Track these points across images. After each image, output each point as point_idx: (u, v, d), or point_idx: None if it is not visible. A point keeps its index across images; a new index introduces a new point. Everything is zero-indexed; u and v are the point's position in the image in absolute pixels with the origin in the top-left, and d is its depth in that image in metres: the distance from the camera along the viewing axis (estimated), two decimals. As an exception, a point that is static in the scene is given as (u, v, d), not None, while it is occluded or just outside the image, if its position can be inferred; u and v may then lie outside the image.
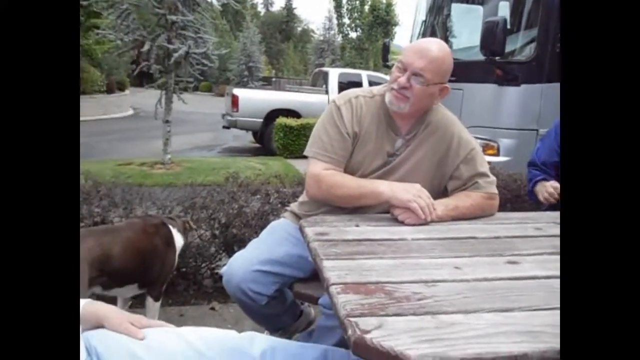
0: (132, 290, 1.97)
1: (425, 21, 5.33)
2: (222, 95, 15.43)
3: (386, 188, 1.45)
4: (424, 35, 5.18)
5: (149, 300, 2.02)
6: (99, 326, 1.06)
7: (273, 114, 8.98)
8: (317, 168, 1.54)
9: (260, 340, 1.10)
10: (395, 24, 28.87)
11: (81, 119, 14.25)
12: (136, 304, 2.16)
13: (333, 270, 1.02)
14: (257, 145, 9.97)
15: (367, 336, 0.76)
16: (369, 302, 0.88)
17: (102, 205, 2.30)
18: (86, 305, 1.09)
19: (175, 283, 2.37)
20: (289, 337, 1.80)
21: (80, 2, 9.34)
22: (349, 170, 1.56)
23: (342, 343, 1.38)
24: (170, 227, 2.06)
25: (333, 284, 0.96)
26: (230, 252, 2.45)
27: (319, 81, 10.78)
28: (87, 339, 1.00)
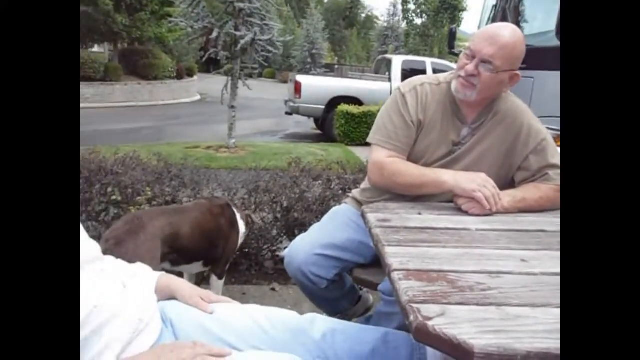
0: (197, 267, 2.07)
1: (495, 5, 5.11)
2: (285, 81, 15.63)
3: (449, 177, 1.42)
4: (494, 20, 4.97)
5: (213, 278, 2.11)
6: (172, 298, 1.14)
7: (335, 101, 9.00)
8: (380, 155, 1.54)
9: (320, 322, 1.12)
10: (463, 9, 27.92)
11: (153, 103, 14.95)
12: (202, 282, 2.27)
13: (395, 256, 1.03)
14: (319, 131, 10.04)
15: (430, 323, 0.76)
16: (431, 289, 0.88)
17: (172, 186, 2.43)
18: (161, 277, 1.16)
19: (238, 263, 2.46)
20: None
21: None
22: (412, 158, 1.55)
23: (400, 330, 1.39)
24: (235, 210, 2.14)
25: (395, 270, 0.96)
26: (291, 236, 2.51)
27: (382, 68, 10.66)
28: (163, 309, 1.07)
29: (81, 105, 12.24)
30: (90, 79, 13.57)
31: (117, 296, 0.97)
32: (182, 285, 1.15)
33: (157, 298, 1.09)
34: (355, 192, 1.80)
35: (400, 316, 1.47)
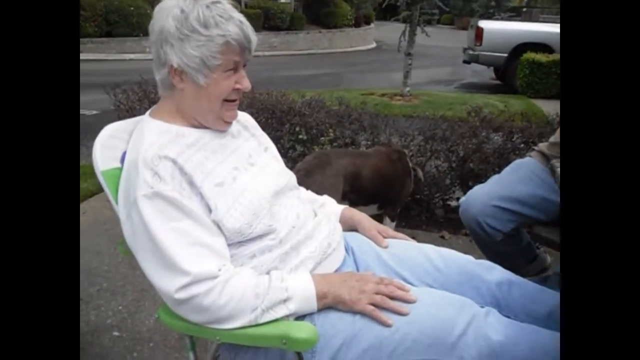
0: (372, 209, 2.18)
1: None
2: (464, 28, 14.70)
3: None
4: None
5: (386, 220, 2.22)
6: (353, 229, 1.24)
7: (520, 49, 8.18)
8: (578, 106, 1.40)
9: (497, 271, 1.12)
10: None
11: (332, 51, 15.39)
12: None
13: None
14: (498, 82, 9.34)
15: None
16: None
17: (352, 129, 2.55)
18: (345, 210, 1.28)
19: (409, 208, 2.52)
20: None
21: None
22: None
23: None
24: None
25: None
26: (464, 186, 2.47)
27: (583, 10, 9.30)
28: (345, 239, 1.18)
29: (269, 53, 13.29)
30: (277, 29, 14.57)
31: (310, 221, 1.10)
32: (363, 218, 1.25)
33: (342, 228, 1.20)
34: (542, 146, 1.68)
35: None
